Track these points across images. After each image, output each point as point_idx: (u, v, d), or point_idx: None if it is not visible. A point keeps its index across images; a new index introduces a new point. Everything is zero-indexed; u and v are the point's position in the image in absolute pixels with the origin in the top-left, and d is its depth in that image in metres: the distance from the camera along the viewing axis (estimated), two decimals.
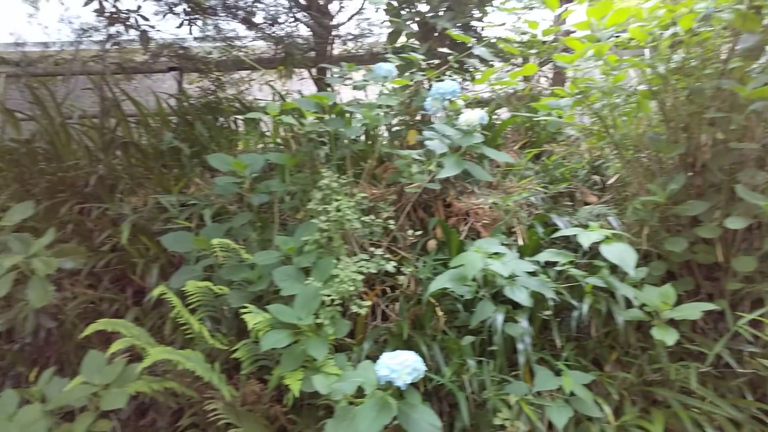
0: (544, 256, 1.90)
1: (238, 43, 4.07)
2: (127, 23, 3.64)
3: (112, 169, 3.18)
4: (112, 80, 3.81)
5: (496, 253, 1.77)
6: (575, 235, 1.90)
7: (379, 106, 2.19)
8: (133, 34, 3.70)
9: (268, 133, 3.67)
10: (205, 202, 2.82)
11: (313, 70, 3.87)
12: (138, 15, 3.70)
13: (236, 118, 3.78)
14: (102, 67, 3.99)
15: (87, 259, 2.45)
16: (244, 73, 4.24)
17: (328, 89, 2.93)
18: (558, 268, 1.97)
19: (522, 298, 1.70)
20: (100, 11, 3.63)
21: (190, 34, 3.88)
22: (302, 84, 4.20)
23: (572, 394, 1.67)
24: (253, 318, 1.68)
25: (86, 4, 3.65)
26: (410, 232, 2.18)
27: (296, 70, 4.03)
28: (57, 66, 6.25)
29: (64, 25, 4.93)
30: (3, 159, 3.13)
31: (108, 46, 3.80)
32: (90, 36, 4.27)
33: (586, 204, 2.74)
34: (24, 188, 3.03)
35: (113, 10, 3.62)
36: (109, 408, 1.64)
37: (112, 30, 3.77)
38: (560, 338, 2.00)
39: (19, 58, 6.88)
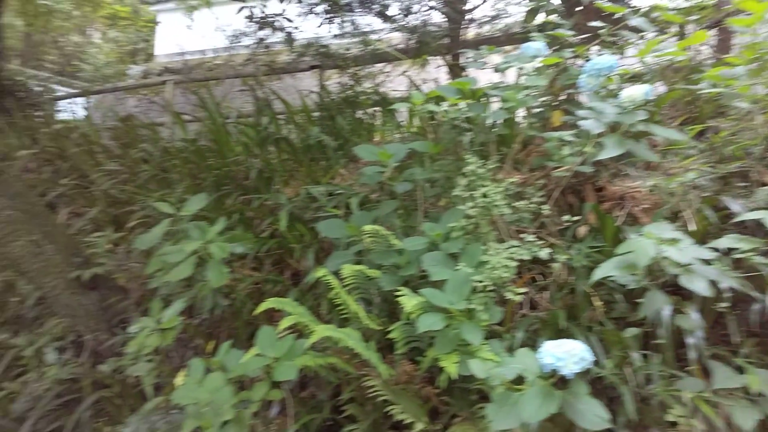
0: (725, 242, 1.72)
1: (373, 36, 4.19)
2: (274, 26, 3.93)
3: (267, 163, 3.46)
4: (262, 81, 4.14)
5: (669, 240, 1.63)
6: (759, 219, 1.69)
7: (526, 87, 2.13)
8: (279, 36, 3.99)
9: (404, 123, 3.76)
10: (350, 192, 2.97)
11: (448, 57, 3.87)
12: (283, 18, 3.99)
13: (373, 110, 3.92)
14: (253, 69, 4.35)
15: (253, 244, 2.70)
16: (379, 66, 4.37)
17: (463, 75, 2.92)
18: (737, 256, 1.77)
19: (701, 287, 1.55)
20: (250, 17, 3.96)
21: (329, 32, 4.09)
22: (437, 72, 4.23)
23: (760, 394, 1.50)
24: (409, 300, 1.74)
25: (239, 11, 4.00)
26: (565, 217, 2.09)
27: (430, 58, 4.06)
28: (210, 71, 6.92)
29: (218, 33, 5.46)
30: (178, 157, 3.56)
31: (258, 49, 4.13)
32: (240, 41, 4.69)
33: (764, 185, 2.43)
34: (195, 182, 3.42)
35: (262, 15, 3.93)
36: (281, 379, 1.81)
37: (261, 34, 4.09)
38: (738, 333, 1.81)
39: (181, 66, 7.74)
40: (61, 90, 7.54)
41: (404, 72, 3.98)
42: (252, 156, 3.60)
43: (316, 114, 4.10)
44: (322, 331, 1.79)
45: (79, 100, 7.21)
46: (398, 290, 1.88)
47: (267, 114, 3.86)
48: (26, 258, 2.63)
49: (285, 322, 1.90)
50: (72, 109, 6.85)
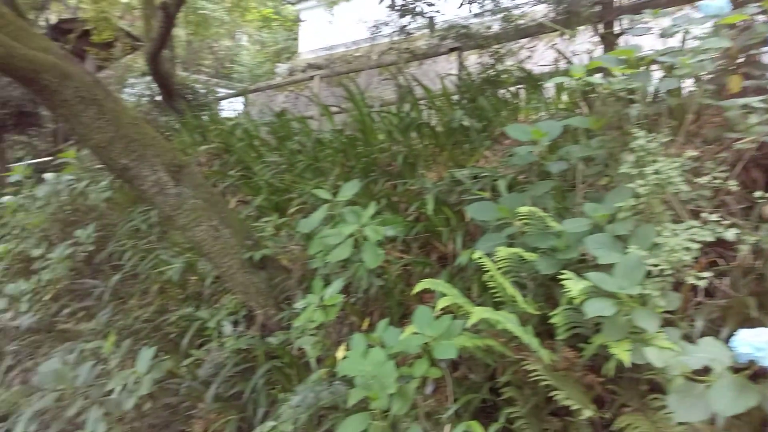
0: None
1: (515, 12, 4.05)
2: (415, 12, 3.97)
3: (410, 148, 3.53)
4: (402, 68, 4.22)
5: None
6: None
7: (704, 51, 1.91)
8: (420, 21, 4.02)
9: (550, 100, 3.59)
10: (495, 174, 2.92)
11: (600, 26, 3.61)
12: (423, 2, 4.01)
13: (516, 89, 3.80)
14: (394, 57, 4.45)
15: (403, 227, 2.78)
16: (523, 41, 4.22)
17: (617, 44, 2.70)
18: None
19: None
20: (392, 6, 4.05)
21: (470, 12, 4.03)
22: (587, 44, 3.97)
23: None
24: (575, 284, 1.67)
25: (381, 1, 4.11)
26: (758, 193, 1.86)
27: (580, 28, 3.82)
28: (350, 64, 7.19)
29: (359, 26, 5.66)
30: (328, 147, 3.77)
31: (399, 36, 4.21)
32: (380, 31, 4.81)
33: None
34: (345, 170, 3.60)
35: (402, 2, 4.00)
36: (441, 357, 1.85)
37: (402, 21, 4.16)
38: None
39: (323, 61, 8.16)
40: (221, 91, 8.38)
41: (552, 45, 3.79)
42: (396, 142, 3.69)
43: (456, 97, 4.08)
44: (480, 312, 1.79)
45: (237, 99, 7.95)
46: (559, 274, 1.81)
47: (409, 100, 3.93)
48: (207, 241, 2.97)
49: (441, 303, 1.94)
50: (231, 108, 7.59)
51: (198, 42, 13.96)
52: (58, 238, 4.68)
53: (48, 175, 4.80)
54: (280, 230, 3.53)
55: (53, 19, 9.74)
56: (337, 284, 2.57)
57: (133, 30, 8.12)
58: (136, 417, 2.56)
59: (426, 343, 1.97)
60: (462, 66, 4.34)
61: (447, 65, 5.17)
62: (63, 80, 2.51)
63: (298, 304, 2.66)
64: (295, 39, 11.53)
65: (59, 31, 8.78)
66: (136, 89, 6.57)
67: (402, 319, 2.71)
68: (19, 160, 9.12)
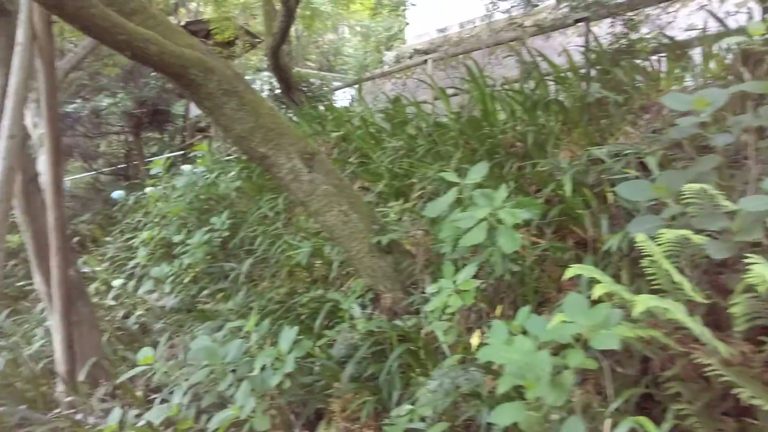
0: None
1: None
2: None
3: (539, 127, 3.35)
4: (526, 43, 4.02)
5: None
6: None
7: None
8: None
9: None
10: (639, 151, 2.69)
11: None
12: None
13: (657, 57, 3.47)
14: (513, 34, 4.25)
15: (539, 210, 2.64)
16: (663, 5, 3.84)
17: None
18: None
19: None
20: None
21: None
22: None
23: None
24: (764, 270, 1.46)
25: None
26: None
27: None
28: (458, 45, 7.03)
29: (468, 6, 5.50)
30: (450, 129, 3.70)
31: (523, 9, 4.01)
32: (497, 7, 4.63)
33: None
34: (468, 153, 3.51)
35: None
36: (600, 347, 1.72)
37: None
38: None
39: (429, 45, 8.06)
40: (331, 83, 8.59)
41: (702, 7, 3.40)
42: (521, 122, 3.53)
43: (585, 70, 3.81)
44: (646, 301, 1.63)
45: (347, 89, 8.11)
46: (742, 258, 1.60)
47: (533, 77, 3.74)
48: (338, 225, 3.03)
49: (598, 290, 1.80)
50: (344, 98, 7.75)
51: (305, 37, 14.47)
52: (195, 225, 5.07)
53: (185, 167, 5.20)
54: (402, 215, 3.53)
55: (180, 22, 10.57)
56: (470, 269, 2.50)
57: (250, 28, 8.58)
58: (277, 394, 2.68)
59: (580, 333, 1.84)
60: (590, 37, 4.04)
61: (570, 39, 4.87)
62: (207, 74, 2.66)
63: (429, 289, 2.63)
64: (401, 27, 11.54)
65: (187, 33, 9.46)
66: (256, 84, 6.94)
67: (539, 306, 2.59)
68: (154, 155, 10.05)
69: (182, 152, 8.42)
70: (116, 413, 2.92)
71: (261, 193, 5.37)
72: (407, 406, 2.36)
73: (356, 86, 7.57)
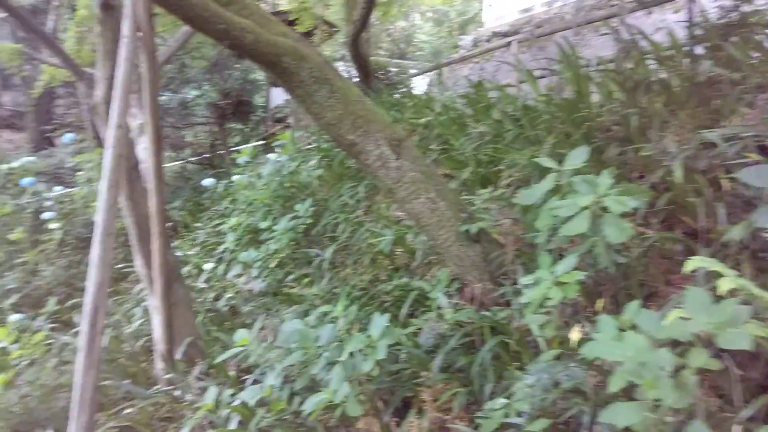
0: None
1: None
2: None
3: (641, 109, 3.13)
4: (623, 20, 3.76)
5: None
6: None
7: None
8: None
9: None
10: (754, 133, 2.44)
11: None
12: None
13: None
14: (612, 10, 3.99)
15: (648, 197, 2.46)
16: None
17: None
18: None
19: None
20: None
21: None
22: None
23: None
24: None
25: None
26: None
27: None
28: (541, 27, 6.73)
29: None
30: (541, 113, 3.54)
31: None
32: None
33: None
34: (562, 137, 3.34)
35: None
36: (729, 347, 1.57)
37: None
38: None
39: (512, 26, 7.78)
40: (407, 70, 8.51)
41: None
42: (619, 104, 3.32)
43: (688, 48, 3.51)
44: None
45: (421, 76, 8.02)
46: None
47: (633, 56, 3.49)
48: (425, 213, 2.99)
49: (724, 285, 1.64)
50: (419, 85, 7.67)
51: (377, 25, 14.47)
52: (279, 212, 5.20)
53: (270, 156, 5.34)
54: (488, 203, 3.42)
55: None
56: (571, 260, 2.37)
57: (328, 17, 8.68)
58: (366, 380, 2.68)
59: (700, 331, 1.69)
60: (695, 13, 3.72)
61: (665, 16, 4.52)
62: (300, 62, 2.68)
63: (523, 280, 2.53)
64: (478, 11, 11.25)
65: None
66: None
67: (646, 300, 2.42)
68: (236, 144, 10.44)
69: (263, 142, 8.68)
70: (212, 392, 3.05)
71: (341, 181, 5.43)
72: (502, 400, 2.29)
73: (432, 72, 7.46)
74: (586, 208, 2.33)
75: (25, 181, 6.26)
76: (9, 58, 5.53)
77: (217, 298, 4.88)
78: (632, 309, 2.01)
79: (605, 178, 2.39)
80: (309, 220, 4.74)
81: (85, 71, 3.51)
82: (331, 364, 2.57)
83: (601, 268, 2.52)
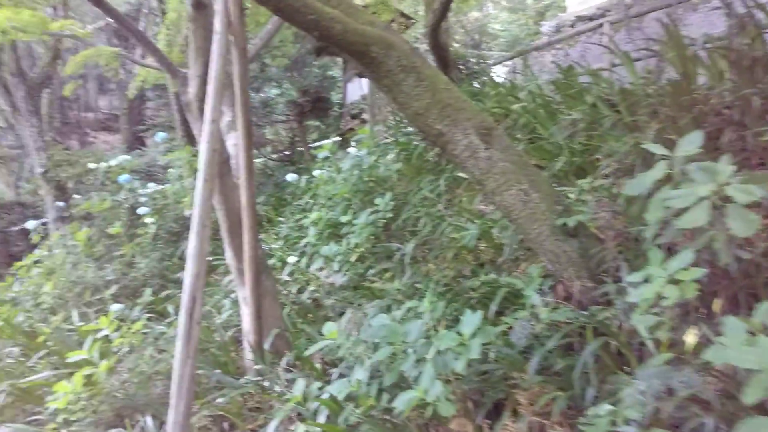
0: None
1: None
2: None
3: (760, 89, 2.81)
4: None
5: None
6: None
7: None
8: None
9: None
10: None
11: None
12: None
13: None
14: None
15: None
16: None
17: None
18: None
19: None
20: None
21: None
22: None
23: None
24: None
25: None
26: None
27: None
28: (634, 6, 6.29)
29: None
30: (646, 96, 3.27)
31: None
32: None
33: None
34: (667, 122, 3.06)
35: None
36: None
37: None
38: None
39: (598, 9, 7.36)
40: (485, 60, 8.27)
41: None
42: (732, 84, 2.99)
43: None
44: None
45: (502, 65, 7.76)
46: None
47: (749, 31, 3.14)
48: (516, 206, 2.84)
49: None
50: (498, 74, 7.42)
51: (451, 17, 14.24)
52: (359, 206, 5.20)
53: (351, 150, 5.35)
54: (584, 195, 3.21)
55: None
56: (687, 256, 2.16)
57: (404, 9, 8.62)
58: (455, 380, 2.59)
59: None
60: None
61: None
62: (387, 51, 2.62)
63: (631, 278, 2.33)
64: None
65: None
66: None
67: None
68: (314, 141, 10.65)
69: (340, 138, 8.77)
70: (300, 384, 3.08)
71: (420, 174, 5.35)
72: (607, 406, 2.12)
73: (512, 61, 7.21)
74: (704, 198, 2.10)
75: (122, 178, 6.67)
76: (107, 61, 5.91)
77: (300, 291, 4.96)
78: (763, 309, 1.79)
79: (725, 165, 2.15)
80: (389, 215, 4.69)
81: (178, 70, 3.65)
82: (421, 361, 2.50)
83: (718, 265, 2.28)
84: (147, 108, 23.10)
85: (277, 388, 3.38)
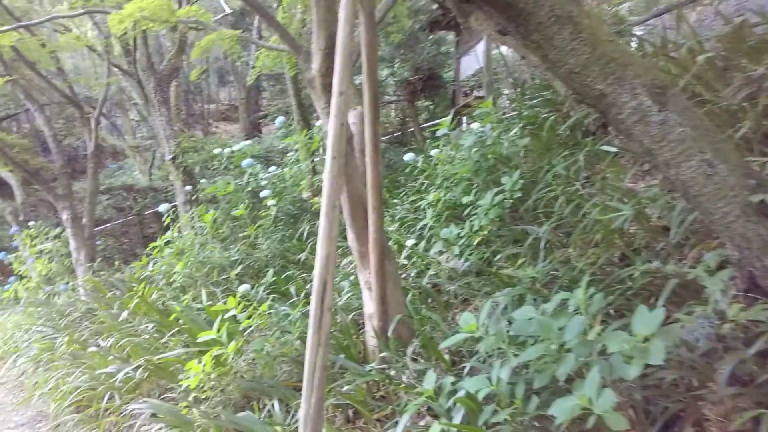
0: None
1: None
2: None
3: None
4: None
5: None
6: None
7: None
8: None
9: None
10: None
11: None
12: None
13: None
14: None
15: None
16: None
17: None
18: None
19: None
20: None
21: None
22: None
23: None
24: None
25: None
26: None
27: None
28: None
29: None
30: None
31: None
32: None
33: None
34: None
35: None
36: None
37: None
38: None
39: None
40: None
41: None
42: None
43: None
44: None
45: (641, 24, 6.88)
46: None
47: None
48: (697, 180, 2.33)
49: None
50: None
51: None
52: (481, 186, 4.84)
53: (473, 125, 4.98)
54: None
55: None
56: None
57: None
58: (624, 388, 2.19)
59: None
60: None
61: None
62: (537, 0, 2.23)
63: None
64: None
65: None
66: None
67: None
68: (426, 121, 10.37)
69: (455, 116, 8.40)
70: (431, 377, 2.83)
71: (550, 150, 4.85)
72: None
73: (654, 19, 6.38)
74: None
75: (246, 162, 6.85)
76: (229, 45, 6.03)
77: (419, 275, 4.72)
78: None
79: None
80: (517, 195, 4.28)
81: (300, 46, 3.51)
82: (582, 364, 2.13)
83: None
84: (263, 98, 24.21)
85: (404, 379, 3.17)
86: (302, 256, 5.89)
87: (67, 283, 8.84)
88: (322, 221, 2.38)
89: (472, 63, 9.01)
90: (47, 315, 6.96)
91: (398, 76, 8.71)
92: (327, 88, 3.31)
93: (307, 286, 5.09)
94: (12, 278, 9.68)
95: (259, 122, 22.58)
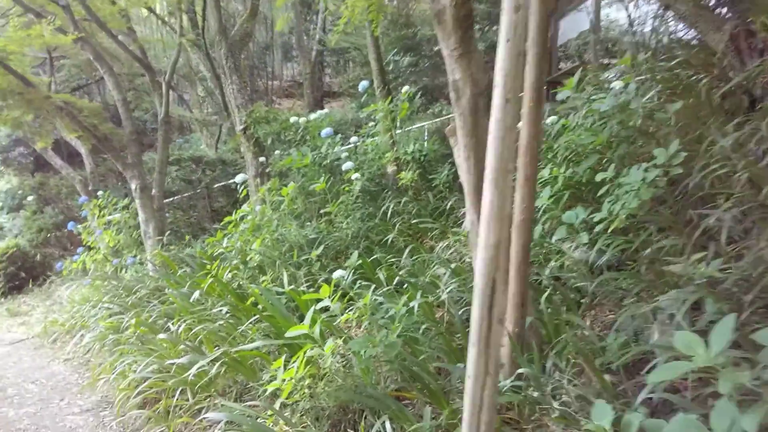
0: None
1: None
2: None
3: None
4: None
5: None
6: None
7: None
8: None
9: None
10: None
11: None
12: None
13: None
14: None
15: None
16: None
17: None
18: None
19: None
20: None
21: None
22: None
23: None
24: None
25: None
26: None
27: None
28: None
29: None
30: None
31: None
32: None
33: None
34: None
35: None
36: None
37: None
38: None
39: None
40: None
41: None
42: None
43: None
44: None
45: None
46: None
47: None
48: None
49: None
50: None
51: None
52: (617, 160, 3.97)
53: (615, 84, 4.10)
54: None
55: None
56: None
57: None
58: None
59: None
60: None
61: None
62: None
63: None
64: None
65: None
66: None
67: None
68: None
69: (551, 84, 7.46)
70: (605, 410, 2.08)
71: (698, 119, 3.92)
72: None
73: None
74: None
75: (325, 131, 6.22)
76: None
77: (539, 268, 3.95)
78: None
79: None
80: (678, 170, 3.40)
81: None
82: None
83: None
84: (326, 74, 23.65)
85: (555, 405, 2.43)
86: (390, 236, 5.22)
87: (135, 256, 8.61)
88: (487, 194, 1.65)
89: (573, 26, 7.96)
90: (114, 290, 6.66)
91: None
92: (460, 22, 2.57)
93: (401, 272, 4.41)
94: (80, 249, 9.59)
95: (322, 99, 22.11)
